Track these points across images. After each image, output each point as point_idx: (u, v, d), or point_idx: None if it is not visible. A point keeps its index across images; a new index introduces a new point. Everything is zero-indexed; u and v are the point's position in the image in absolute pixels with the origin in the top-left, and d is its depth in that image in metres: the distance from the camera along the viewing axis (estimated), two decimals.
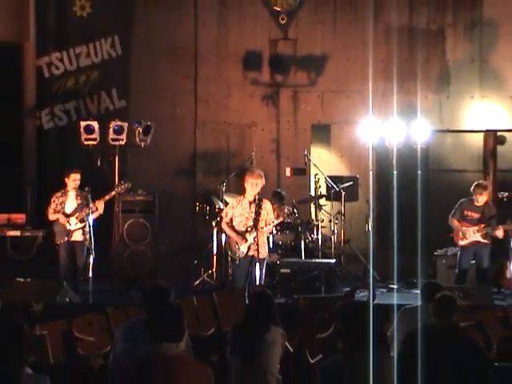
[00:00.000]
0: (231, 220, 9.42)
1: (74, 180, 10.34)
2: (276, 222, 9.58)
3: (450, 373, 4.95)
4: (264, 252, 9.42)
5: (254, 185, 9.27)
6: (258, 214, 9.27)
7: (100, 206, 10.23)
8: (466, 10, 13.85)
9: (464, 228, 10.65)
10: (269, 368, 5.97)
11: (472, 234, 10.62)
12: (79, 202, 10.31)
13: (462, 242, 10.71)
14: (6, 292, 8.93)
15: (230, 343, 6.16)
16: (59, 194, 10.41)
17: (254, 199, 9.33)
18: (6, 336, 3.98)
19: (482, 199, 10.63)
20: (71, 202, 10.33)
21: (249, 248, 9.24)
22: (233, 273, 9.73)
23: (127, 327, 5.98)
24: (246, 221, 9.28)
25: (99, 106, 13.39)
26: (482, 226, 10.59)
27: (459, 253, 10.84)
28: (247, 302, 6.65)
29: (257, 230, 9.18)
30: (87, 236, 10.16)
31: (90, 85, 13.36)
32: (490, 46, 13.90)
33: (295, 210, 11.21)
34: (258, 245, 9.15)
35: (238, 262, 9.40)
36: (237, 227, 9.34)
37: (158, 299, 5.42)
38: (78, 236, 10.29)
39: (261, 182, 9.33)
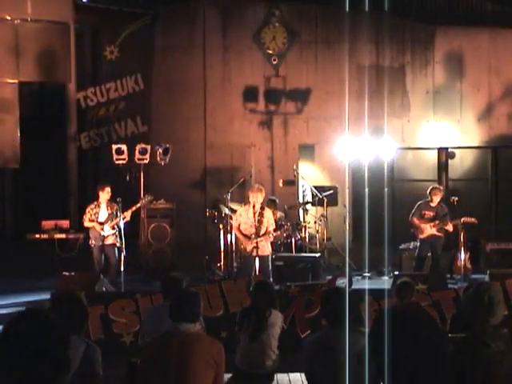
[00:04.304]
0: (239, 225, 9.43)
1: (107, 193, 10.22)
2: (284, 235, 9.67)
3: (413, 344, 4.97)
4: (267, 250, 9.42)
5: (255, 197, 9.29)
6: (260, 222, 9.28)
7: (128, 215, 10.21)
8: (421, 51, 13.94)
9: (422, 225, 10.68)
10: (269, 344, 5.97)
11: (429, 229, 10.64)
12: (110, 212, 10.17)
13: (421, 236, 10.73)
14: (55, 283, 8.95)
15: (238, 323, 6.12)
16: (93, 205, 10.25)
17: (258, 208, 9.31)
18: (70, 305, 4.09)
19: (436, 199, 10.65)
20: (103, 212, 10.19)
21: (253, 249, 9.25)
22: (242, 268, 9.73)
23: (151, 311, 6.01)
24: (249, 228, 9.29)
25: (126, 130, 13.53)
26: (437, 222, 10.62)
27: (418, 244, 10.86)
28: (253, 289, 6.56)
29: (258, 236, 9.20)
30: (118, 239, 10.13)
31: (118, 113, 13.50)
32: (440, 81, 13.98)
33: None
34: (257, 247, 9.16)
35: (244, 259, 9.40)
36: (244, 232, 9.37)
37: (172, 287, 5.47)
38: (110, 240, 10.16)
39: (260, 195, 9.30)
